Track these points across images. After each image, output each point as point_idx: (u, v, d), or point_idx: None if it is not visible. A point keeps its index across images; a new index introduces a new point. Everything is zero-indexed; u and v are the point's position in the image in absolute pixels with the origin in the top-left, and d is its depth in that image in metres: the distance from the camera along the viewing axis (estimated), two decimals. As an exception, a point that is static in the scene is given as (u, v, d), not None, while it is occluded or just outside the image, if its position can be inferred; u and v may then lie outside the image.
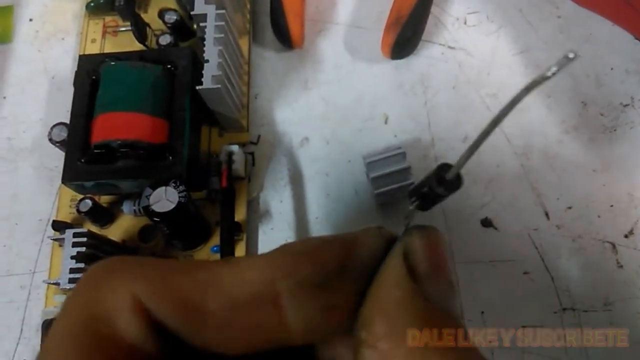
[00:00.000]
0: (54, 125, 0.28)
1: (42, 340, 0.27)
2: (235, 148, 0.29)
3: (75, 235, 0.25)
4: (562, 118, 0.31)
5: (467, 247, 0.29)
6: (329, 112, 0.32)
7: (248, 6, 0.34)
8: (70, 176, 0.27)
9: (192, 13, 0.28)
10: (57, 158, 0.31)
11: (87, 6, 0.34)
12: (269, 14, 0.33)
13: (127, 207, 0.29)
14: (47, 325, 0.27)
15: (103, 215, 0.29)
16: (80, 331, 0.13)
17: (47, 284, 0.28)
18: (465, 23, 0.34)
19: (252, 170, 0.31)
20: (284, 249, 0.14)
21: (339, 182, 0.30)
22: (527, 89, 0.11)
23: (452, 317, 0.13)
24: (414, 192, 0.15)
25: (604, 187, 0.29)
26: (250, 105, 0.32)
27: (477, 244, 0.29)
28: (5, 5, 0.36)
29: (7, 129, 0.33)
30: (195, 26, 0.32)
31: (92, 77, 0.28)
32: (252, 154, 0.31)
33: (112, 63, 0.28)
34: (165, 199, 0.25)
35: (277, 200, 0.30)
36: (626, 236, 0.28)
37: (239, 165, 0.29)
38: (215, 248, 0.29)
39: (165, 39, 0.31)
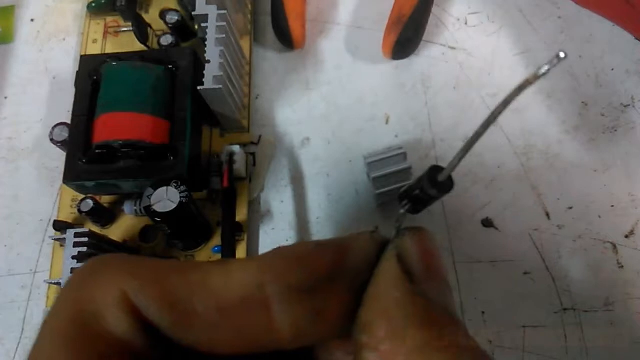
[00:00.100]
0: (56, 126, 0.28)
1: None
2: (236, 148, 0.29)
3: (76, 235, 0.25)
4: (562, 118, 0.31)
5: (468, 247, 0.29)
6: (330, 113, 0.32)
7: (249, 7, 0.34)
8: (71, 176, 0.27)
9: (193, 13, 0.28)
10: (58, 158, 0.31)
11: (89, 6, 0.34)
12: (270, 15, 0.33)
13: (128, 207, 0.29)
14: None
15: (104, 215, 0.29)
16: (70, 327, 0.13)
17: (48, 284, 0.28)
18: (466, 23, 0.34)
19: (253, 170, 0.31)
20: (276, 253, 0.14)
21: (340, 182, 0.31)
22: (520, 89, 0.11)
23: (451, 315, 0.13)
24: (405, 195, 0.15)
25: (605, 188, 0.29)
26: (251, 106, 0.32)
27: (478, 244, 0.29)
28: (7, 6, 0.36)
29: (8, 129, 0.33)
30: (196, 27, 0.32)
31: (93, 78, 0.28)
32: (253, 154, 0.31)
33: (114, 63, 0.28)
34: (166, 199, 0.25)
35: (278, 201, 0.30)
36: (627, 236, 0.28)
37: (240, 166, 0.29)
38: (216, 248, 0.29)
39: (167, 40, 0.31)
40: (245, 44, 0.33)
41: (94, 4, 0.34)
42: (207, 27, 0.28)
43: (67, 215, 0.30)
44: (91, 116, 0.27)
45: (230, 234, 0.27)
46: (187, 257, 0.29)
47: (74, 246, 0.25)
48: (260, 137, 0.32)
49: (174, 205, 0.25)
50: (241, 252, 0.29)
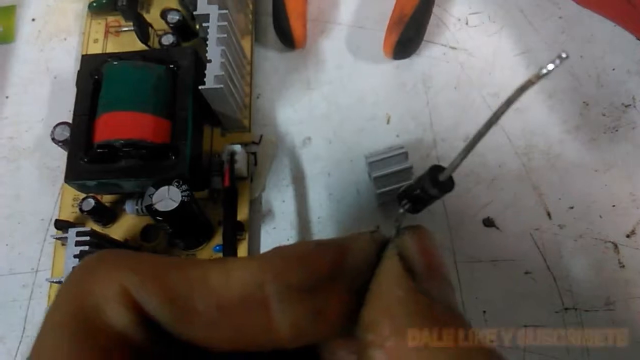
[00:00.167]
0: (57, 125, 0.28)
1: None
2: (237, 148, 0.29)
3: (78, 234, 0.25)
4: (563, 118, 0.31)
5: (469, 246, 0.29)
6: (331, 112, 0.32)
7: (250, 6, 0.34)
8: (73, 175, 0.27)
9: (194, 13, 0.28)
10: (59, 158, 0.31)
11: (90, 6, 0.34)
12: (271, 15, 0.33)
13: (129, 206, 0.29)
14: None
15: (105, 214, 0.29)
16: (71, 321, 0.13)
17: (49, 283, 0.28)
18: (467, 23, 0.34)
19: (255, 170, 0.31)
20: (276, 252, 0.14)
21: (341, 182, 0.31)
22: (522, 89, 0.11)
23: (454, 311, 0.14)
24: (404, 195, 0.15)
25: (606, 187, 0.29)
26: (252, 105, 0.32)
27: (479, 243, 0.29)
28: (8, 5, 0.36)
29: (9, 129, 0.33)
30: (197, 26, 0.33)
31: (94, 77, 0.28)
32: (254, 153, 0.31)
33: (115, 63, 0.28)
34: (168, 198, 0.25)
35: (280, 200, 0.30)
36: (628, 236, 0.28)
37: (241, 165, 0.29)
38: (217, 247, 0.29)
39: (168, 39, 0.31)
40: (246, 43, 0.33)
41: (95, 4, 0.34)
42: (208, 26, 0.28)
43: (69, 214, 0.30)
44: (92, 115, 0.27)
45: (232, 233, 0.27)
46: (188, 256, 0.29)
47: (75, 245, 0.25)
48: (261, 136, 0.32)
49: (175, 205, 0.25)
50: (242, 251, 0.29)
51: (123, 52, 0.29)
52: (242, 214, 0.29)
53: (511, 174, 0.30)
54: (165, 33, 0.31)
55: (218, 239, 0.29)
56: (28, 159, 0.33)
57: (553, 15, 0.33)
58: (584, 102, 0.31)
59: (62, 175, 0.27)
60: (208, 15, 0.28)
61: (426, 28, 0.32)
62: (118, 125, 0.26)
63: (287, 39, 0.33)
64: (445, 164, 0.14)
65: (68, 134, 0.28)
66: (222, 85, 0.27)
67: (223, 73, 0.27)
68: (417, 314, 0.13)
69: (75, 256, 0.25)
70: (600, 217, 0.29)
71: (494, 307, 0.27)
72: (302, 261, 0.14)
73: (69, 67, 0.34)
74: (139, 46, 0.33)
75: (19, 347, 0.29)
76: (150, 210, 0.25)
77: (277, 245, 0.14)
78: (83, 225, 0.29)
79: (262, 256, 0.14)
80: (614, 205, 0.29)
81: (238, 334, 0.13)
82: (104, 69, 0.28)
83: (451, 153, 0.30)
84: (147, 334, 0.13)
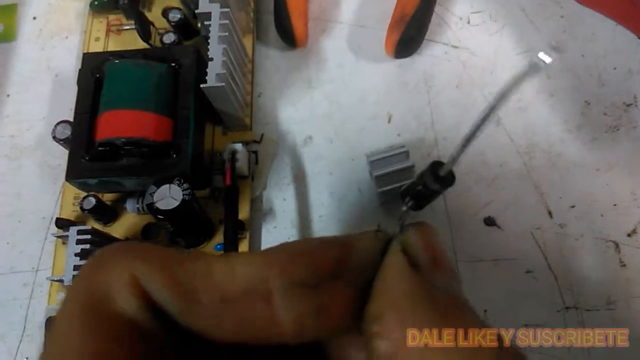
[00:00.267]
0: (58, 123, 0.28)
1: (45, 338, 0.27)
2: (238, 146, 0.29)
3: (79, 232, 0.25)
4: (565, 117, 0.31)
5: (470, 245, 0.29)
6: (332, 111, 0.32)
7: (252, 5, 0.34)
8: (74, 174, 0.27)
9: (196, 11, 0.28)
10: (60, 156, 0.31)
11: (91, 5, 0.34)
12: (272, 13, 0.33)
13: (130, 204, 0.29)
14: (50, 323, 0.27)
15: (106, 213, 0.29)
16: (82, 310, 0.13)
17: (50, 281, 0.28)
18: (468, 22, 0.34)
19: (256, 168, 0.31)
20: (281, 248, 0.14)
21: (343, 181, 0.31)
22: (516, 80, 0.12)
23: (459, 301, 0.14)
24: (407, 193, 0.15)
25: (607, 186, 0.29)
26: (253, 104, 0.32)
27: (480, 242, 0.29)
28: (9, 4, 0.36)
29: (10, 127, 0.33)
30: (199, 25, 0.32)
31: (96, 75, 0.28)
32: (255, 152, 0.31)
33: (116, 61, 0.28)
34: (169, 196, 0.25)
35: (281, 199, 0.30)
36: (629, 235, 0.28)
37: (242, 164, 0.29)
38: (218, 246, 0.29)
39: (170, 38, 0.31)
40: (247, 42, 0.33)
41: (96, 2, 0.34)
42: (210, 25, 0.28)
43: (70, 213, 0.30)
44: (94, 114, 0.27)
45: (233, 231, 0.27)
46: (189, 254, 0.29)
47: (76, 243, 0.25)
48: (262, 135, 0.32)
49: (176, 203, 0.25)
50: (243, 250, 0.29)
51: (124, 51, 0.29)
52: (243, 213, 0.29)
53: (512, 173, 0.30)
54: (167, 31, 0.31)
55: (219, 238, 0.29)
56: (29, 157, 0.33)
57: (555, 14, 0.33)
58: (585, 101, 0.31)
59: (63, 174, 0.27)
60: (210, 13, 0.28)
61: (428, 27, 0.32)
62: (119, 124, 0.26)
63: (289, 38, 0.33)
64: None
65: (69, 133, 0.28)
66: (223, 84, 0.27)
67: (225, 71, 0.27)
68: (423, 306, 0.13)
69: (76, 255, 0.25)
70: (602, 216, 0.29)
71: (495, 306, 0.27)
72: (306, 257, 0.14)
73: (70, 65, 0.34)
74: (141, 45, 0.33)
75: (19, 345, 0.29)
76: (152, 208, 0.25)
77: (278, 244, 0.14)
78: (84, 223, 0.29)
79: (267, 252, 0.14)
80: (615, 205, 0.29)
81: (241, 327, 0.14)
82: (106, 67, 0.28)
83: (453, 152, 0.30)
84: (157, 322, 0.13)
